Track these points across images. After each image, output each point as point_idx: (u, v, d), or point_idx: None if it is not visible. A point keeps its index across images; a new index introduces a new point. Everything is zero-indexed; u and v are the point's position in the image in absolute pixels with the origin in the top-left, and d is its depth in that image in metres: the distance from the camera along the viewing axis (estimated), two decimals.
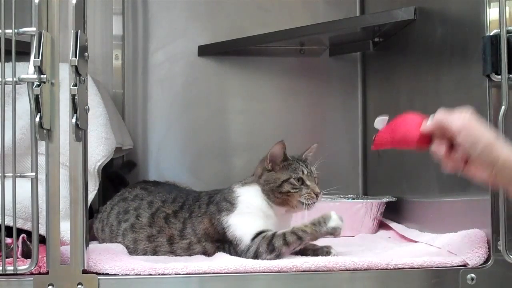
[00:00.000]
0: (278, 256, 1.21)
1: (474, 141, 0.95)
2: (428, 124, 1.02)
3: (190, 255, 1.34)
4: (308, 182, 1.32)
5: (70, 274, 1.06)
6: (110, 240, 1.42)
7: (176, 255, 1.35)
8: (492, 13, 1.13)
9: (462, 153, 0.98)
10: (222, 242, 1.32)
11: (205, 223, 1.34)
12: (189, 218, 1.37)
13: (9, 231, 1.09)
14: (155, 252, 1.36)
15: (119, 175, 1.79)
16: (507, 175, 0.95)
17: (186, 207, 1.40)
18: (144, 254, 1.36)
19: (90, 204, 1.34)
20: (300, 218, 1.37)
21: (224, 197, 1.35)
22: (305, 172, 1.33)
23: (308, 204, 1.30)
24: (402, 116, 1.08)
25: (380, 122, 1.12)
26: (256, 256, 1.22)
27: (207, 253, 1.34)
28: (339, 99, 2.10)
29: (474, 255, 1.12)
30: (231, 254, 1.28)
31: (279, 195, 1.31)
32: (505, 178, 0.95)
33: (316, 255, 1.25)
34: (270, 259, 1.19)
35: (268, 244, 1.21)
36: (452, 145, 1.00)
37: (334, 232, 1.20)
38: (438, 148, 1.01)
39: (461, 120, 0.97)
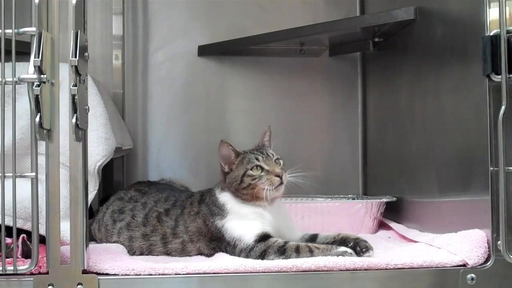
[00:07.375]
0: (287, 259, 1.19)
1: None
2: None
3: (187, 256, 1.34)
4: (266, 167, 1.31)
5: (70, 274, 1.06)
6: (106, 239, 1.43)
7: (173, 257, 1.34)
8: (492, 13, 1.13)
9: None
10: (219, 243, 1.32)
11: (198, 222, 1.35)
12: (181, 215, 1.38)
13: (9, 231, 1.09)
14: (150, 251, 1.36)
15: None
16: None
17: (178, 204, 1.41)
18: (140, 253, 1.36)
19: (90, 204, 1.34)
20: (300, 218, 1.37)
21: (212, 202, 1.35)
22: (261, 158, 1.32)
23: (271, 189, 1.28)
24: None
25: None
26: (263, 255, 1.21)
27: (204, 255, 1.34)
28: (339, 99, 2.10)
29: (474, 255, 1.12)
30: (228, 252, 1.29)
31: (245, 191, 1.31)
32: None
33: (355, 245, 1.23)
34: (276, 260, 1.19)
35: (280, 248, 1.21)
36: None
37: (344, 254, 1.18)
38: None
39: None
